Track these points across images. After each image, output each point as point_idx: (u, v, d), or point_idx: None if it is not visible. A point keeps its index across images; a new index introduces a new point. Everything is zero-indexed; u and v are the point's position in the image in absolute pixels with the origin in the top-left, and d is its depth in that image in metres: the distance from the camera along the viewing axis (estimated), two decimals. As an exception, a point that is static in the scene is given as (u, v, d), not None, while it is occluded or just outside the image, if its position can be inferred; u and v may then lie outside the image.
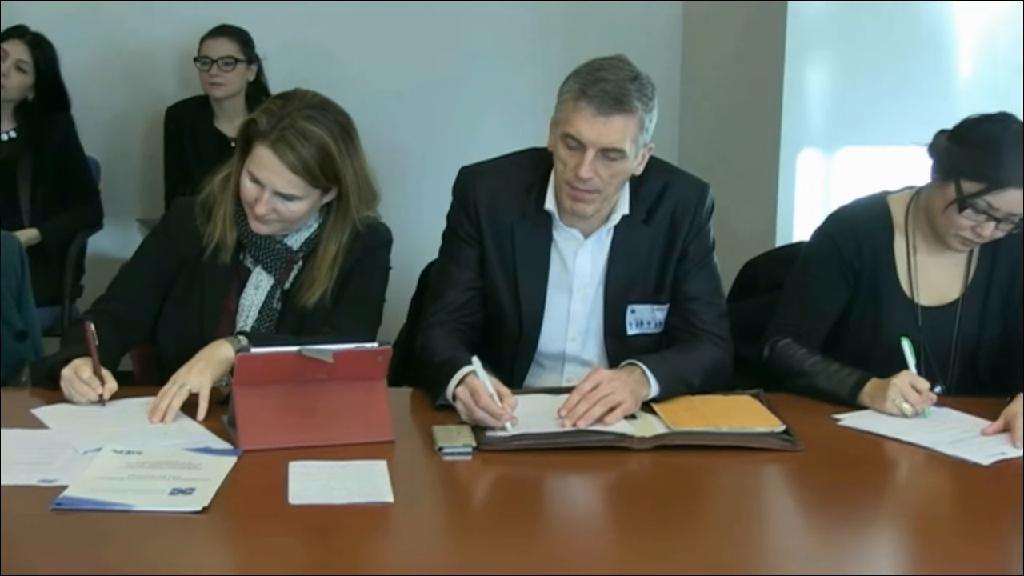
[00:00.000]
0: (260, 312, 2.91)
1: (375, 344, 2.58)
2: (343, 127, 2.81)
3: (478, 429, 2.57)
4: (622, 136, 2.76)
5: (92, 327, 2.67)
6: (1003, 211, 2.86)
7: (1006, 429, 2.68)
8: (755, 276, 3.53)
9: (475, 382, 2.61)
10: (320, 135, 2.76)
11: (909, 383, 2.79)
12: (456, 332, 2.92)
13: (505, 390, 2.62)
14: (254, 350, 2.52)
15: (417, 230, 3.40)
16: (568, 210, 2.89)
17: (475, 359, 2.64)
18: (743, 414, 2.73)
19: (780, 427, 2.65)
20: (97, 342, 2.66)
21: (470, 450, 2.49)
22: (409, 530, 2.19)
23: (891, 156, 4.41)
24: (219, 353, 2.69)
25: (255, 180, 2.78)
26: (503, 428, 2.55)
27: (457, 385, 2.65)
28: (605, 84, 2.75)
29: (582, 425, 2.59)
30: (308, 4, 5.36)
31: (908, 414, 2.77)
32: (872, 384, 2.85)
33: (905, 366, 2.84)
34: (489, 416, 2.56)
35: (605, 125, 2.75)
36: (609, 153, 2.77)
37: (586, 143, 2.76)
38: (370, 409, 2.55)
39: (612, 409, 2.63)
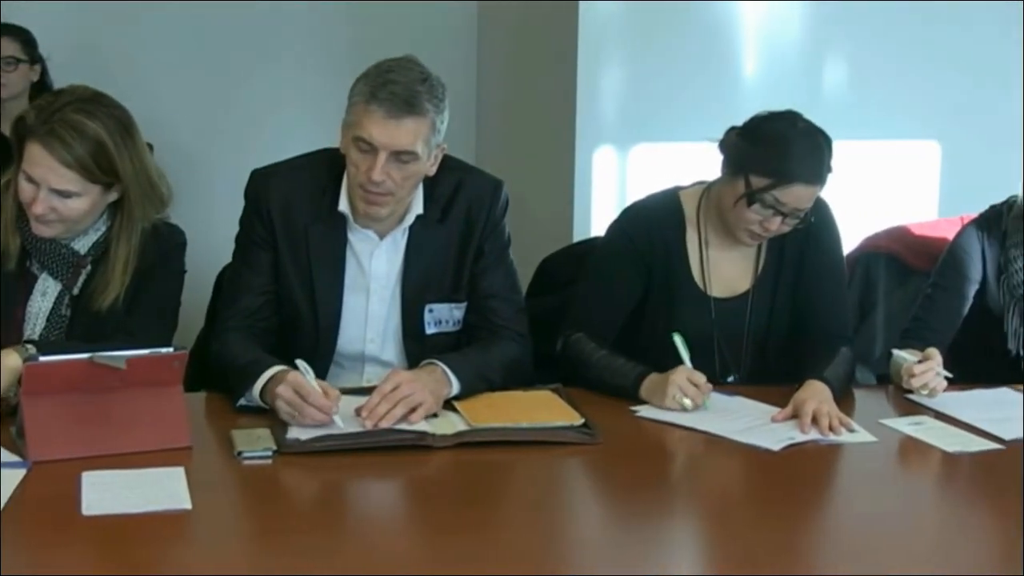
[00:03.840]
0: (48, 319, 2.82)
1: (170, 349, 2.54)
2: (119, 120, 2.75)
3: (278, 432, 2.55)
4: (414, 139, 2.76)
5: None
6: (789, 206, 2.94)
7: (795, 415, 2.77)
8: (552, 272, 3.56)
9: (299, 379, 2.60)
10: (93, 128, 2.69)
11: (686, 377, 2.85)
12: (251, 337, 2.89)
13: (328, 386, 2.63)
14: (43, 358, 2.45)
15: (212, 233, 3.33)
16: (362, 212, 2.88)
17: (301, 362, 2.63)
18: (543, 409, 2.76)
19: (579, 421, 2.68)
20: None
21: (270, 453, 2.47)
22: (208, 536, 2.16)
23: (683, 152, 4.49)
24: (6, 362, 2.60)
25: (30, 179, 2.71)
26: (332, 423, 2.56)
27: (267, 383, 2.65)
28: (395, 87, 2.74)
29: (384, 426, 2.59)
30: (93, 3, 5.21)
31: (688, 408, 2.82)
32: (650, 380, 2.89)
33: (680, 362, 2.90)
34: (319, 412, 2.56)
35: (396, 128, 2.74)
36: (401, 156, 2.77)
37: (378, 146, 2.74)
38: (166, 415, 2.51)
39: (413, 410, 2.63)
